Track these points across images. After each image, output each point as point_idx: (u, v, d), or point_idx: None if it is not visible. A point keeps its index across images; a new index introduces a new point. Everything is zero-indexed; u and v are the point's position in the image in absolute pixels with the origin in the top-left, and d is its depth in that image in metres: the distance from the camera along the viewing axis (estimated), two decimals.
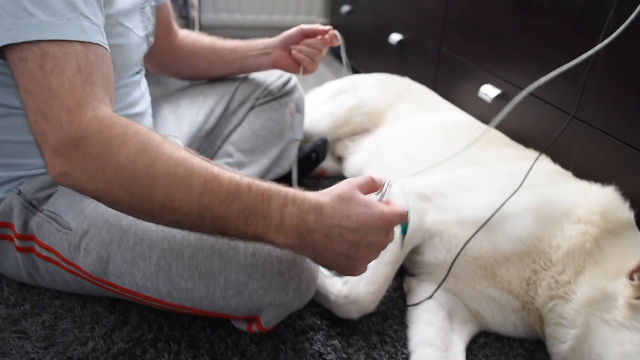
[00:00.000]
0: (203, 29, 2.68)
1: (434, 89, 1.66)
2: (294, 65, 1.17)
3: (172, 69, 1.24)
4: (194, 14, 2.30)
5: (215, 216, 0.65)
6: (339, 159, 1.46)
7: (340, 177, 1.43)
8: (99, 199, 0.66)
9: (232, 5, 2.89)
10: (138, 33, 0.92)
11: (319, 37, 1.14)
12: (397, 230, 0.76)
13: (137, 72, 1.02)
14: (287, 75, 1.28)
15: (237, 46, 1.19)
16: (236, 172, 0.69)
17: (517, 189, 0.92)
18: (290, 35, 1.16)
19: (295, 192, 0.68)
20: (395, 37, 1.94)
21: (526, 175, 0.92)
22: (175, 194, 0.63)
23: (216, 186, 0.64)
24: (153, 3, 1.02)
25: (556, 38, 1.14)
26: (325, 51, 1.15)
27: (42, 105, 0.62)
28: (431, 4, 1.69)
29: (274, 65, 1.18)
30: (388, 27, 2.04)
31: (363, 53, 2.39)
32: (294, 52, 1.14)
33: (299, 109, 1.21)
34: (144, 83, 1.06)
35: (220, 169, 0.66)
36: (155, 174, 0.63)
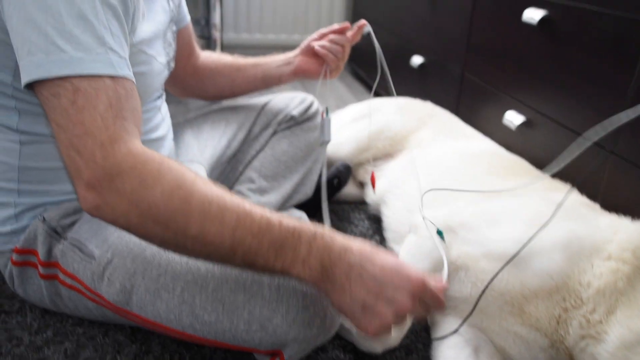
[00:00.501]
0: (224, 48, 2.70)
1: (456, 114, 1.64)
2: (317, 68, 1.15)
3: (196, 91, 1.25)
4: (216, 34, 2.32)
5: (247, 250, 0.66)
6: (361, 185, 1.45)
7: (362, 202, 1.42)
8: (132, 232, 0.67)
9: (252, 25, 2.92)
10: (160, 60, 0.93)
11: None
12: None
13: (158, 97, 1.02)
14: (309, 100, 1.28)
15: (258, 61, 1.20)
16: (266, 208, 0.69)
17: (545, 224, 0.90)
18: (310, 40, 1.15)
19: (325, 230, 0.69)
20: (417, 60, 1.93)
21: (555, 211, 0.90)
22: (209, 228, 0.64)
23: (248, 221, 0.65)
24: (174, 28, 1.03)
25: (583, 67, 1.12)
26: (348, 50, 1.13)
27: (76, 141, 0.63)
28: (454, 28, 1.68)
29: (297, 73, 1.17)
30: (409, 50, 2.04)
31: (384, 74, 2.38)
32: (316, 47, 1.12)
33: (328, 111, 1.20)
34: (164, 107, 1.07)
35: (252, 205, 0.68)
36: (189, 210, 0.64)
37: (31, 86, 0.67)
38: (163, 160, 0.66)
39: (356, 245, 0.69)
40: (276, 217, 0.68)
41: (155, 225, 0.64)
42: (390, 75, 2.25)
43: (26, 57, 0.65)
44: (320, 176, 1.31)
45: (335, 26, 1.13)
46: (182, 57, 1.15)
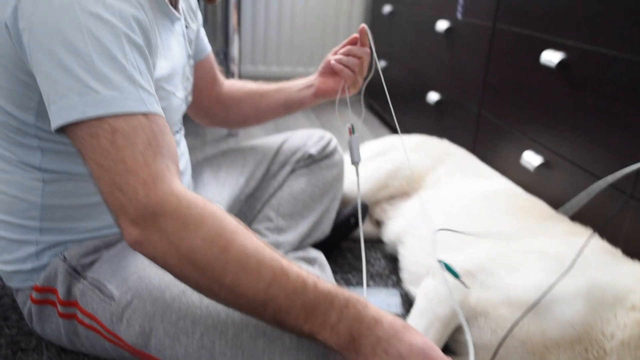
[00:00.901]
0: (243, 79, 2.74)
1: (472, 152, 1.65)
2: (337, 87, 1.13)
3: (222, 119, 1.26)
4: (234, 68, 2.36)
5: (278, 308, 0.66)
6: (378, 223, 1.45)
7: (379, 241, 1.41)
8: (169, 271, 0.68)
9: (269, 57, 2.97)
10: (178, 95, 0.95)
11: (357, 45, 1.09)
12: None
13: (177, 132, 1.04)
14: (327, 137, 1.29)
15: (280, 86, 1.20)
16: (302, 267, 0.70)
17: (566, 271, 0.89)
18: (326, 61, 1.14)
19: (358, 298, 0.70)
20: (433, 97, 1.95)
21: (576, 258, 0.89)
22: (244, 281, 0.65)
23: (284, 280, 0.66)
24: (192, 62, 1.05)
25: (602, 110, 1.12)
26: (367, 62, 1.09)
27: (118, 179, 0.64)
28: (471, 66, 1.69)
29: (317, 95, 1.15)
30: (425, 86, 2.05)
31: (399, 109, 2.40)
32: (332, 62, 1.09)
33: (355, 129, 1.18)
34: (183, 142, 1.08)
35: (289, 263, 0.68)
36: (227, 260, 0.65)
37: (62, 128, 0.68)
38: (206, 204, 0.67)
39: (387, 319, 0.69)
40: (312, 279, 0.68)
41: (192, 269, 0.65)
42: (406, 110, 2.28)
43: (59, 101, 0.66)
44: (338, 214, 1.32)
45: (347, 40, 1.11)
46: (206, 87, 1.17)
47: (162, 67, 0.86)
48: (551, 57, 1.25)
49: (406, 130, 2.29)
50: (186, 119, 1.10)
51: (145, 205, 0.63)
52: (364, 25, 1.07)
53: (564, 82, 1.24)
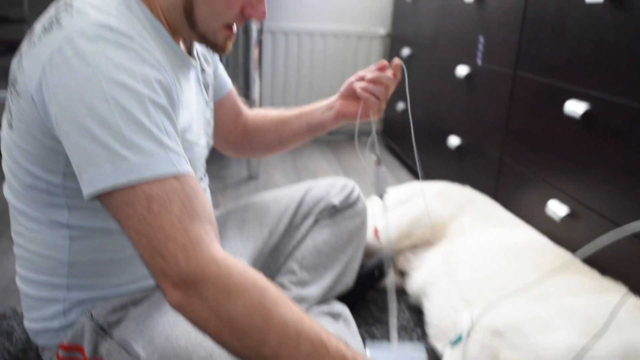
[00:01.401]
0: None
1: (495, 198, 1.63)
2: (358, 110, 1.11)
3: (248, 150, 1.26)
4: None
5: None
6: (401, 273, 1.43)
7: (402, 291, 1.39)
8: (208, 336, 0.67)
9: (288, 99, 3.00)
10: (201, 143, 0.96)
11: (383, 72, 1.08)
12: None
13: (201, 179, 1.04)
14: (349, 186, 1.29)
15: (301, 111, 1.20)
16: (340, 339, 0.70)
17: (600, 332, 0.87)
18: (349, 84, 1.13)
19: None
20: (453, 141, 1.95)
21: (610, 318, 0.87)
22: (283, 351, 0.65)
23: (323, 352, 0.66)
24: (211, 105, 1.05)
25: (629, 161, 1.11)
26: (392, 90, 1.08)
27: (158, 245, 0.65)
28: (492, 112, 1.69)
29: (338, 117, 1.14)
30: (445, 129, 2.06)
31: (419, 150, 2.40)
32: (358, 90, 1.08)
33: (381, 161, 1.16)
34: (207, 191, 1.08)
35: (329, 335, 0.68)
36: (268, 329, 0.65)
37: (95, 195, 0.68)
38: (247, 271, 0.67)
39: None
40: (350, 352, 0.68)
41: (231, 336, 0.65)
42: (426, 153, 2.27)
43: (91, 170, 0.67)
44: (362, 266, 1.31)
45: (373, 67, 1.10)
46: (231, 121, 1.18)
47: (184, 117, 0.87)
48: (575, 107, 1.24)
49: (426, 173, 2.28)
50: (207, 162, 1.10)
51: (186, 271, 0.64)
52: (399, 61, 1.06)
53: (589, 132, 1.23)
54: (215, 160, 2.45)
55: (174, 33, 0.86)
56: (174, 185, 0.68)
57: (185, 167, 0.71)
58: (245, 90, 2.55)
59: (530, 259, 1.17)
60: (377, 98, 1.07)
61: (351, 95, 1.12)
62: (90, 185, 0.67)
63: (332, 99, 1.17)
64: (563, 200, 1.32)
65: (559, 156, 1.34)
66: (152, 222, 0.65)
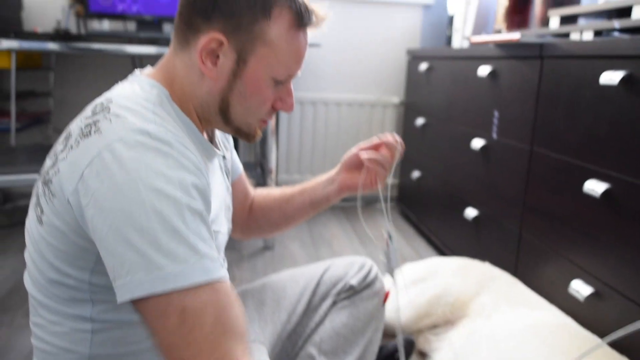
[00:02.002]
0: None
1: (514, 274, 1.61)
2: (363, 181, 1.11)
3: (255, 231, 1.26)
4: (272, 177, 2.41)
5: None
6: (422, 355, 1.39)
7: None
8: None
9: (304, 166, 3.03)
10: (224, 231, 0.96)
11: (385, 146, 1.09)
12: None
13: (221, 265, 1.04)
14: (367, 266, 1.27)
15: (304, 187, 1.20)
16: None
17: None
18: (351, 156, 1.12)
19: None
20: (470, 213, 1.93)
21: None
22: None
23: None
24: (230, 189, 1.06)
25: None
26: (398, 158, 1.08)
27: (188, 358, 0.65)
28: (509, 186, 1.69)
29: (342, 190, 1.14)
30: (462, 200, 2.05)
31: (435, 220, 2.39)
32: (366, 161, 1.07)
33: (392, 238, 1.14)
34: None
35: None
36: None
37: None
38: None
39: None
40: None
41: None
42: (442, 223, 2.26)
43: (126, 276, 0.67)
44: (381, 348, 1.27)
45: (375, 140, 1.11)
46: (239, 204, 1.18)
47: (213, 208, 0.87)
48: (594, 186, 1.24)
49: (443, 244, 2.26)
50: None
51: None
52: (396, 138, 1.08)
53: (610, 211, 1.22)
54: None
55: (201, 126, 0.88)
56: (209, 295, 0.67)
57: (220, 272, 0.71)
58: (262, 159, 2.59)
59: (556, 343, 1.14)
60: (383, 167, 1.07)
61: (354, 166, 1.12)
62: (125, 291, 0.67)
63: (333, 172, 1.17)
64: (587, 280, 1.29)
65: (580, 234, 1.32)
66: (185, 337, 0.65)
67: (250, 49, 0.80)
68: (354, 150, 1.13)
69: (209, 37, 0.79)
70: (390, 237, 1.02)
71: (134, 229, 0.66)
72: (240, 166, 1.18)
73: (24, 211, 2.83)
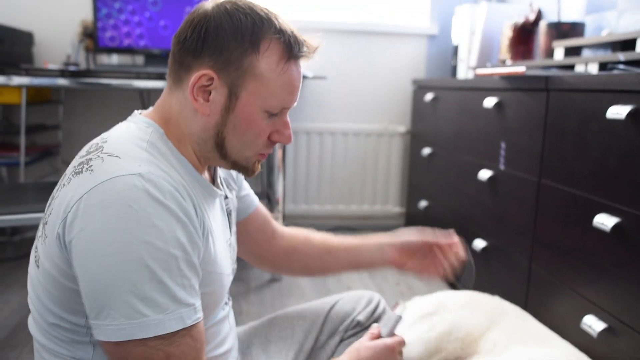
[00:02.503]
0: (285, 218, 2.78)
1: (525, 307, 1.58)
2: (410, 265, 1.18)
3: (285, 269, 1.26)
4: (279, 208, 2.41)
5: None
6: None
7: None
8: None
9: (311, 197, 3.03)
10: (227, 272, 0.94)
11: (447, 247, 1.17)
12: None
13: (225, 304, 1.03)
14: (375, 301, 1.26)
15: (349, 245, 1.20)
16: None
17: None
18: (412, 243, 1.17)
19: None
20: (479, 244, 1.92)
21: None
22: None
23: None
24: (234, 229, 1.05)
25: None
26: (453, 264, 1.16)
27: None
28: (518, 217, 1.68)
29: (391, 265, 1.19)
30: (470, 231, 2.04)
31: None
32: (440, 256, 1.16)
33: (400, 308, 1.16)
34: (231, 314, 1.07)
35: None
36: None
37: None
38: None
39: None
40: None
41: None
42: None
43: (104, 320, 0.68)
44: None
45: (440, 240, 1.17)
46: (265, 240, 1.18)
47: (209, 252, 0.86)
48: (604, 220, 1.23)
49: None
50: None
51: None
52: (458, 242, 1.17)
53: (621, 246, 1.20)
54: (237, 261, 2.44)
55: (201, 165, 0.88)
56: (186, 340, 0.71)
57: (194, 317, 0.73)
58: (269, 189, 2.59)
59: None
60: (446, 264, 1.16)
61: (413, 251, 1.18)
62: (103, 334, 0.68)
63: (384, 240, 1.20)
64: (599, 315, 1.27)
65: (592, 268, 1.31)
66: None
67: (241, 83, 0.81)
68: (419, 240, 1.18)
69: (199, 74, 0.79)
70: (397, 305, 1.06)
71: (122, 277, 0.67)
72: (255, 200, 1.17)
73: (32, 244, 2.84)
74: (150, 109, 0.90)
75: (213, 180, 0.96)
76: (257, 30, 0.80)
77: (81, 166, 0.75)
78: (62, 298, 0.77)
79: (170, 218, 0.71)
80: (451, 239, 1.16)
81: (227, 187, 1.05)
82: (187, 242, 0.73)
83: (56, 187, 0.79)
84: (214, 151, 0.86)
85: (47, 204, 0.79)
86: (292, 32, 0.83)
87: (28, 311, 0.86)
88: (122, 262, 0.67)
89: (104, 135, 0.81)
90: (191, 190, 0.79)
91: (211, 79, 0.80)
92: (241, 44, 0.79)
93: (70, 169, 0.77)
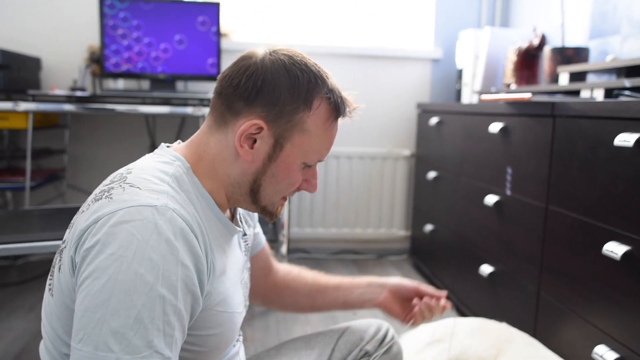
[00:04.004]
0: (290, 242, 2.77)
1: (533, 334, 1.56)
2: (399, 311, 1.19)
3: (276, 303, 1.26)
4: (284, 234, 2.40)
5: None
6: None
7: None
8: None
9: (315, 220, 3.02)
10: (239, 310, 0.93)
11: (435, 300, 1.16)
12: None
13: (237, 340, 1.01)
14: (384, 329, 1.24)
15: (340, 284, 1.20)
16: None
17: None
18: (404, 287, 1.18)
19: None
20: (486, 269, 1.90)
21: None
22: None
23: None
24: (248, 265, 1.05)
25: None
26: (436, 316, 1.16)
27: None
28: (525, 243, 1.66)
29: (379, 306, 1.20)
30: (477, 256, 2.02)
31: (450, 275, 2.35)
32: (416, 307, 1.15)
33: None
34: (242, 351, 1.05)
35: None
36: None
37: None
38: None
39: None
40: None
41: None
42: (457, 278, 2.22)
43: (77, 344, 0.66)
44: None
45: (431, 290, 1.18)
46: (262, 275, 1.18)
47: (224, 289, 0.85)
48: (614, 248, 1.21)
49: (459, 299, 2.22)
50: None
51: None
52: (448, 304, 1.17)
53: (632, 274, 1.19)
54: None
55: (227, 204, 0.88)
56: None
57: None
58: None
59: None
60: (427, 314, 1.16)
61: (403, 296, 1.19)
62: (73, 355, 0.66)
63: (375, 281, 1.21)
64: (611, 345, 1.25)
65: (602, 297, 1.29)
66: None
67: (288, 135, 0.82)
68: (411, 285, 1.19)
69: (250, 123, 0.80)
70: None
71: (103, 304, 0.65)
72: (263, 239, 1.18)
73: (35, 268, 2.85)
74: (178, 142, 0.91)
75: (232, 216, 0.96)
76: (312, 88, 0.82)
77: (102, 194, 0.75)
78: (69, 325, 0.76)
79: (171, 257, 0.69)
80: (441, 293, 1.18)
81: (246, 223, 1.05)
82: (181, 287, 0.70)
83: (76, 215, 0.79)
84: (247, 195, 0.87)
85: (68, 231, 0.79)
86: (339, 92, 0.87)
87: (31, 338, 0.85)
88: (108, 288, 0.66)
89: (130, 165, 0.81)
90: (206, 229, 0.78)
91: (260, 128, 0.81)
92: (296, 100, 0.81)
93: (91, 197, 0.77)
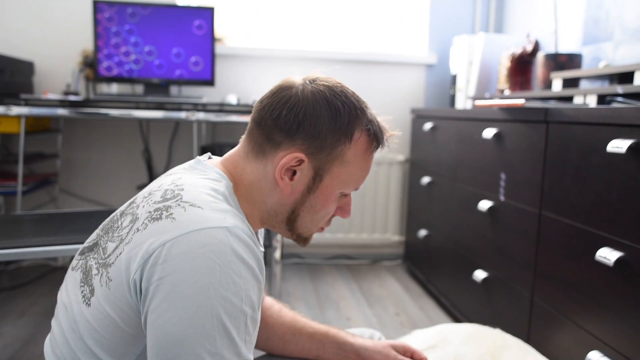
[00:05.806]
0: (284, 247, 2.76)
1: (527, 340, 1.56)
2: None
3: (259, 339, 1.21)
4: (277, 242, 2.39)
5: None
6: None
7: None
8: None
9: None
10: (258, 317, 0.93)
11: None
12: None
13: None
14: (375, 338, 1.24)
15: (315, 332, 1.12)
16: None
17: None
18: (373, 354, 1.09)
19: None
20: (480, 274, 1.90)
21: None
22: None
23: None
24: None
25: None
26: None
27: None
28: (518, 249, 1.67)
29: None
30: (471, 261, 2.02)
31: (443, 280, 2.35)
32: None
33: None
34: None
35: None
36: None
37: None
38: None
39: None
40: None
41: None
42: (451, 284, 2.22)
43: None
44: None
45: (408, 346, 1.13)
46: None
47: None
48: (607, 254, 1.21)
49: (453, 305, 2.21)
50: None
51: None
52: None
53: (625, 280, 1.19)
54: None
55: (256, 227, 0.88)
56: None
57: None
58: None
59: None
60: None
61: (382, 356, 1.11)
62: None
63: (347, 338, 1.10)
64: (605, 351, 1.25)
65: (596, 303, 1.29)
66: None
67: (328, 167, 0.82)
68: (384, 350, 1.09)
69: (291, 156, 0.80)
70: None
71: (196, 329, 0.66)
72: None
73: (27, 273, 2.82)
74: (215, 156, 0.90)
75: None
76: (352, 120, 0.83)
77: (159, 212, 0.73)
78: (112, 342, 0.74)
79: (249, 276, 0.71)
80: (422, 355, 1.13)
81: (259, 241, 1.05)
82: (256, 299, 0.73)
83: (126, 231, 0.76)
84: (283, 223, 0.86)
85: (114, 246, 0.76)
86: (377, 122, 0.87)
87: (22, 344, 0.84)
88: (202, 316, 0.66)
89: (175, 181, 0.79)
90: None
91: (301, 160, 0.81)
92: (337, 132, 0.81)
93: (143, 214, 0.75)
